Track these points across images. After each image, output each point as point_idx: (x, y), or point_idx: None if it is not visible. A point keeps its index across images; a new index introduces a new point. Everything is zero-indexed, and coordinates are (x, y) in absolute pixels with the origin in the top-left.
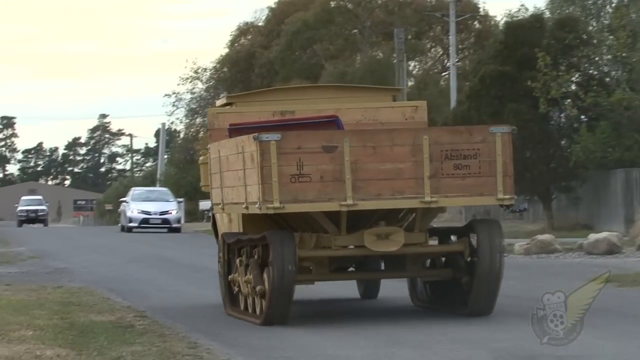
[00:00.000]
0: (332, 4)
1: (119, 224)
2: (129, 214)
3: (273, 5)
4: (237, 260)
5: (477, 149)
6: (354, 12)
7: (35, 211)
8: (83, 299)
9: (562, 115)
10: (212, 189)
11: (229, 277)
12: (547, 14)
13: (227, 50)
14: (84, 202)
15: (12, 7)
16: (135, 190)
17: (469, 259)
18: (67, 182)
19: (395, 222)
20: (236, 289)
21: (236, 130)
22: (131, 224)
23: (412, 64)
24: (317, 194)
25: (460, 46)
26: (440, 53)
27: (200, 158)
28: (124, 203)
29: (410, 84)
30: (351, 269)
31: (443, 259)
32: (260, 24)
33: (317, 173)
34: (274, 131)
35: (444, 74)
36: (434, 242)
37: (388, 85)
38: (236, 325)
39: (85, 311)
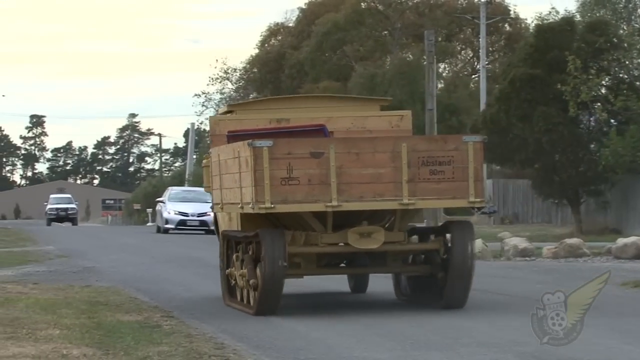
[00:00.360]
0: (363, 5)
1: (154, 225)
2: (165, 214)
3: (303, 6)
4: (234, 256)
5: (451, 156)
6: (384, 13)
7: (66, 209)
8: (110, 299)
9: (591, 118)
10: (212, 190)
11: (227, 271)
12: (578, 17)
13: (257, 50)
14: (112, 202)
15: (42, 5)
16: (172, 190)
17: (444, 256)
18: (96, 182)
19: (377, 222)
20: (233, 282)
21: (234, 137)
22: (167, 226)
23: (442, 66)
24: (305, 196)
25: (490, 49)
26: (471, 55)
27: (204, 162)
28: (160, 203)
29: (440, 86)
30: (342, 265)
31: (423, 256)
32: (290, 24)
33: (305, 176)
34: (267, 138)
35: (473, 76)
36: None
37: (418, 87)
38: (263, 327)
39: (112, 311)
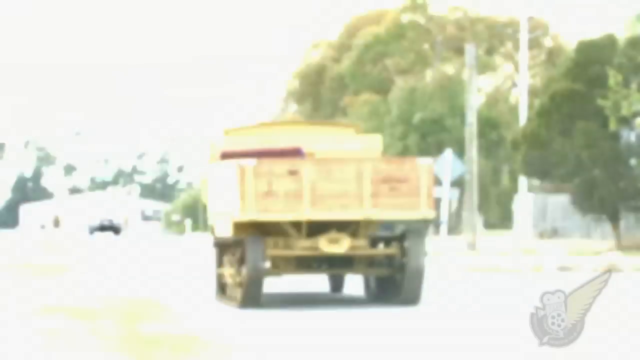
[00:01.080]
0: (404, 19)
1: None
2: None
3: (347, 20)
4: (225, 258)
5: (406, 175)
6: (425, 27)
7: (110, 219)
8: (149, 309)
9: (632, 134)
10: (209, 201)
11: (219, 270)
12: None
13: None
14: (151, 213)
15: (90, 16)
16: None
17: (403, 260)
18: (135, 193)
19: (344, 231)
20: (223, 280)
21: (226, 156)
22: None
23: (482, 79)
24: (282, 207)
25: (531, 63)
26: (511, 69)
27: (202, 176)
28: None
29: (480, 100)
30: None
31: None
32: (331, 37)
33: (283, 191)
34: (253, 158)
35: (514, 90)
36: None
37: (458, 101)
38: (304, 342)
39: (150, 321)
